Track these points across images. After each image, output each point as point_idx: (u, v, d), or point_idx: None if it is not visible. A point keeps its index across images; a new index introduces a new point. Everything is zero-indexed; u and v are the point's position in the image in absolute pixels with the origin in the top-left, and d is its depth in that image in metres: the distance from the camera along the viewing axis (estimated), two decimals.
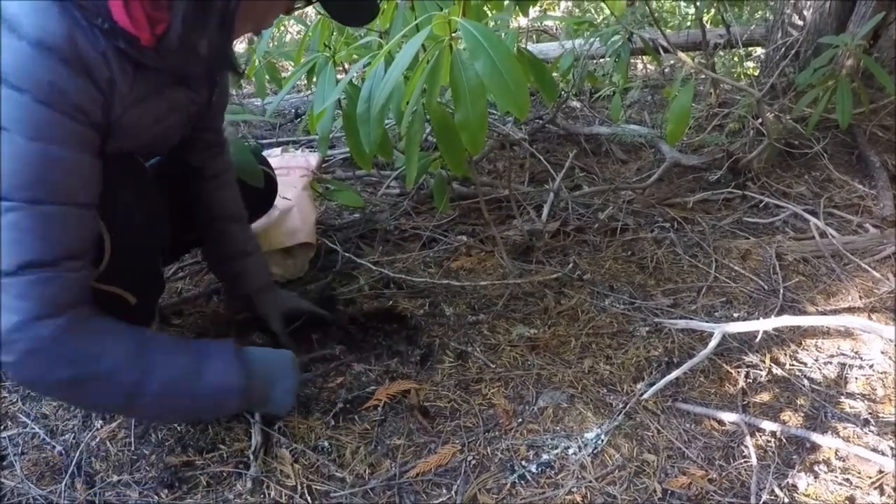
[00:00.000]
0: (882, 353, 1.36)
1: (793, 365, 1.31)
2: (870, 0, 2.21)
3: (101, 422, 1.14)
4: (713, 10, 2.49)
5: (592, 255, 1.65)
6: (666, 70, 2.52)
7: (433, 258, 1.63)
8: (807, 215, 1.80)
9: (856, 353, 1.35)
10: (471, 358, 1.29)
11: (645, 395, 1.16)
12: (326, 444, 1.09)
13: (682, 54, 1.71)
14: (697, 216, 1.82)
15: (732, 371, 1.27)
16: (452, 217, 1.77)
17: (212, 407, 0.99)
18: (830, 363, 1.32)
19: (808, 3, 2.38)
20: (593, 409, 1.16)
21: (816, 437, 1.09)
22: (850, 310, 1.50)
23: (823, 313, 1.50)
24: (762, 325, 1.13)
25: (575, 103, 2.41)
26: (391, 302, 1.47)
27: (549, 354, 1.30)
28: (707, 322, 1.33)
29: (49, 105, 0.77)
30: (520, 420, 1.14)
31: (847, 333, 1.42)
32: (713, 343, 1.13)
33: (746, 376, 1.26)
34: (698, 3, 2.26)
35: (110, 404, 0.94)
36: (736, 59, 2.48)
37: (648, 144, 2.18)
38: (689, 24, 2.67)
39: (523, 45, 2.06)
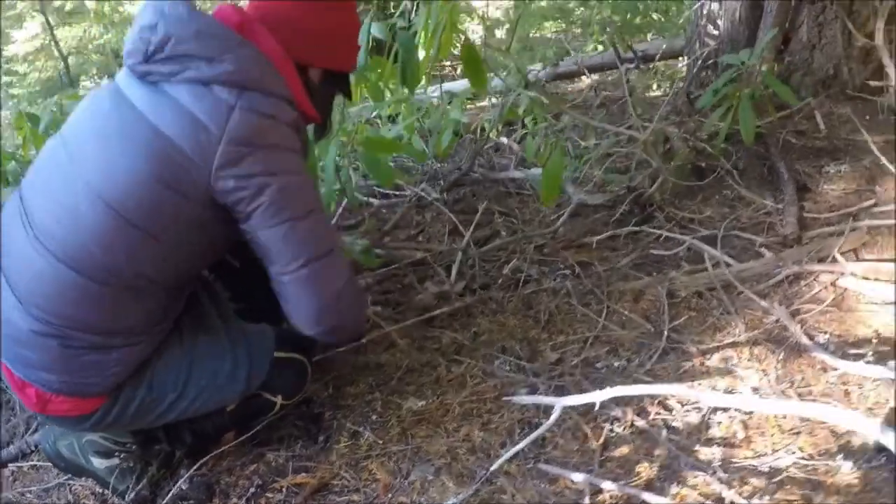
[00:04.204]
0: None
1: (658, 413, 1.40)
2: (774, 4, 2.23)
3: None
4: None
5: (494, 314, 1.77)
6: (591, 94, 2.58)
7: None
8: (701, 244, 1.84)
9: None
10: (362, 437, 1.45)
11: (498, 462, 1.28)
12: None
13: (570, 112, 1.79)
14: (597, 259, 1.90)
15: (598, 425, 1.38)
16: (369, 286, 1.92)
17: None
18: (697, 408, 1.40)
19: (721, 12, 2.40)
20: (455, 479, 1.30)
21: (648, 497, 1.20)
22: (733, 345, 1.56)
23: (705, 352, 1.57)
24: (597, 396, 1.23)
25: (504, 139, 2.51)
26: None
27: (432, 425, 1.44)
28: (550, 397, 1.37)
29: (299, 154, 1.26)
30: (391, 495, 1.30)
31: (727, 371, 1.50)
32: (553, 417, 1.25)
33: (610, 430, 1.37)
34: (608, 30, 2.32)
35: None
36: (654, 74, 2.52)
37: None
38: (599, 47, 2.70)
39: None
